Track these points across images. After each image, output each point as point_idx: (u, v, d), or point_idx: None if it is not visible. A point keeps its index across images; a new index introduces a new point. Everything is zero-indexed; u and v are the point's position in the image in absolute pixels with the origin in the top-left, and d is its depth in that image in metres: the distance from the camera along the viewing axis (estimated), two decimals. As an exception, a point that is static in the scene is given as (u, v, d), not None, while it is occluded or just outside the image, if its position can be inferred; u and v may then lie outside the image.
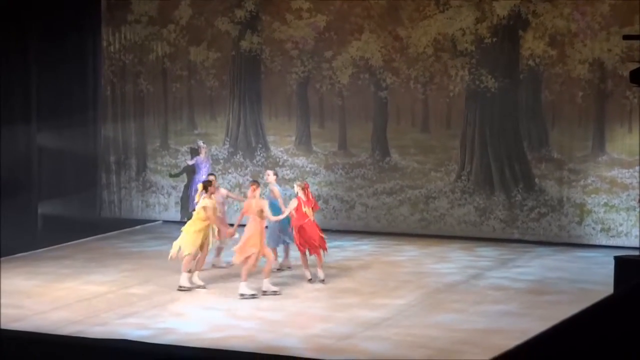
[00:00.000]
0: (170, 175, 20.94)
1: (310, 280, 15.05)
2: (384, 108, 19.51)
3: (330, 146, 19.93)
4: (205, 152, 19.68)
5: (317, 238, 15.12)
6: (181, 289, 14.65)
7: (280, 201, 15.89)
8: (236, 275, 14.68)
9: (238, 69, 20.45)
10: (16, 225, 18.16)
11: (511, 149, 18.62)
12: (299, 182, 15.64)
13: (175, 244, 14.89)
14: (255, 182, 15.20)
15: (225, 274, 15.51)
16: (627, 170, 17.80)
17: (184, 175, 20.46)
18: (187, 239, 14.85)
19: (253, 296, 14.16)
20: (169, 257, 14.93)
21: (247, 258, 14.26)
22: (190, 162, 19.91)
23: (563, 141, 18.31)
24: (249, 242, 14.31)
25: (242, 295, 14.17)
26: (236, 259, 14.45)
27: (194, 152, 20.07)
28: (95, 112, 21.14)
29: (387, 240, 18.64)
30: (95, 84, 21.15)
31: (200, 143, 19.79)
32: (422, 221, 19.23)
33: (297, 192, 15.29)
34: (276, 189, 16.13)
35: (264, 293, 14.31)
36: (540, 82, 18.43)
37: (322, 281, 15.09)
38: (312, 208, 15.30)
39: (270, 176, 16.26)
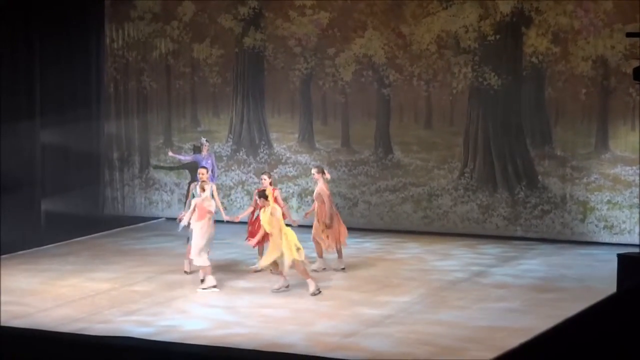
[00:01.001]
0: (154, 167, 20.96)
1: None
2: (387, 105, 19.51)
3: (333, 143, 19.93)
4: (207, 149, 19.67)
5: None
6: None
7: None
8: (237, 272, 14.65)
9: (241, 66, 20.46)
10: (19, 222, 18.19)
11: (514, 146, 18.60)
12: (265, 175, 15.49)
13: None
14: (320, 167, 15.70)
15: (229, 272, 15.48)
16: (630, 168, 17.78)
17: (187, 172, 20.46)
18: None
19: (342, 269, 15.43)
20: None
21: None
22: (185, 159, 19.89)
23: (566, 138, 18.30)
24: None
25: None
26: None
27: (197, 149, 20.08)
28: (99, 109, 21.16)
29: (390, 238, 18.64)
30: (98, 81, 21.16)
31: (204, 140, 19.78)
32: (425, 218, 19.22)
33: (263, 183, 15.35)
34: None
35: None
36: (543, 79, 18.41)
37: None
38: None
39: (204, 174, 15.55)
